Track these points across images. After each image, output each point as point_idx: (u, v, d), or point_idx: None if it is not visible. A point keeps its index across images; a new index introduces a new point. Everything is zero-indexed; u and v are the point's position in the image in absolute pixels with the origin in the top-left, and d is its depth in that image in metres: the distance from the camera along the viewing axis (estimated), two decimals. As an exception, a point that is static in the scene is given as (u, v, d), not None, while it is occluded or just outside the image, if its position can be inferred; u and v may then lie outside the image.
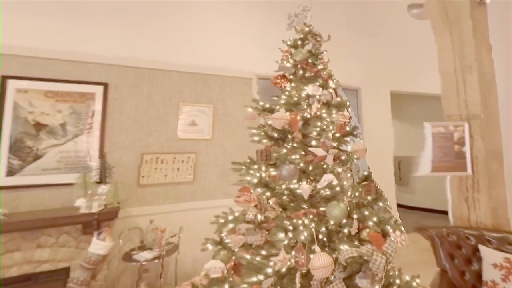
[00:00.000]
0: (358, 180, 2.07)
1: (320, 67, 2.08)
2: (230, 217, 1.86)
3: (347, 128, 2.00)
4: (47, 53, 2.51)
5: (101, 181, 2.39)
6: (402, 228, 1.83)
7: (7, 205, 2.20)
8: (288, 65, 2.05)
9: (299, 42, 2.19)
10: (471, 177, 2.24)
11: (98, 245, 2.20)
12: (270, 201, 1.89)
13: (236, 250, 2.07)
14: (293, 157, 1.68)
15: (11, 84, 2.30)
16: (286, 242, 1.55)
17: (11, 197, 2.26)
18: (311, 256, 1.50)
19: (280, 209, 1.79)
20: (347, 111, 1.95)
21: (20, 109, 2.31)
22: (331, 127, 1.80)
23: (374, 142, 4.47)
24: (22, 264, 2.06)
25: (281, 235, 1.56)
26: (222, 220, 1.96)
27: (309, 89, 1.88)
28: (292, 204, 1.86)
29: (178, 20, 3.15)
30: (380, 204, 2.07)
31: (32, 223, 2.04)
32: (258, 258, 1.78)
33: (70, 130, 2.45)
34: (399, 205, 6.36)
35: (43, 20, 2.56)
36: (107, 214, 2.25)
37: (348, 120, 1.94)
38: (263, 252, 1.79)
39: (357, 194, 1.95)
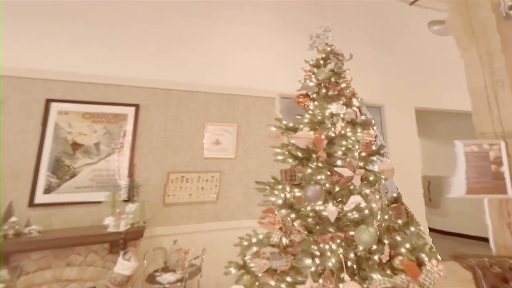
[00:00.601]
0: (387, 202, 1.98)
1: (343, 85, 2.07)
2: (254, 240, 1.82)
3: (373, 147, 1.94)
4: (87, 77, 2.72)
5: (129, 200, 2.46)
6: (439, 257, 1.70)
7: (42, 222, 2.31)
8: (311, 84, 2.06)
9: (322, 62, 2.21)
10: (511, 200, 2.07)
11: (123, 265, 2.22)
12: (295, 224, 1.84)
13: (260, 275, 2.01)
14: (319, 177, 1.64)
15: (54, 107, 2.50)
16: (313, 268, 1.48)
17: (46, 215, 2.37)
18: (340, 285, 1.42)
19: (306, 232, 1.73)
20: (373, 129, 1.89)
21: (60, 130, 2.48)
22: (356, 146, 1.75)
23: (400, 161, 4.28)
24: (52, 282, 2.11)
25: (308, 261, 1.50)
26: (245, 243, 1.92)
27: (333, 107, 1.86)
28: (318, 227, 1.80)
29: (204, 43, 3.32)
30: (412, 228, 1.95)
31: (64, 241, 2.11)
32: (283, 285, 1.71)
33: (103, 149, 2.59)
34: (430, 229, 5.96)
35: (83, 47, 2.81)
36: (133, 233, 2.29)
37: (374, 139, 1.89)
38: (289, 279, 1.72)
39: (386, 217, 1.85)
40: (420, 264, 1.66)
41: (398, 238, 1.75)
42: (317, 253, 1.53)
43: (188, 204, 2.96)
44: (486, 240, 2.22)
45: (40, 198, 2.34)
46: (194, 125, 3.06)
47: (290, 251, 1.66)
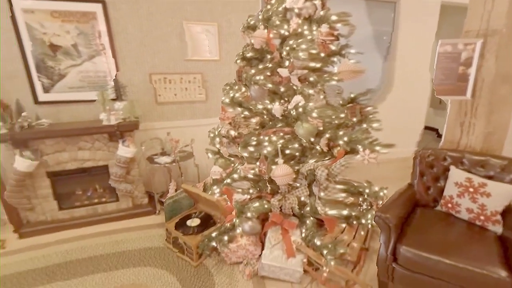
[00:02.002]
0: (341, 102, 2.11)
1: (309, -26, 1.87)
2: (216, 133, 2.14)
3: (332, 47, 1.92)
4: None
5: (117, 99, 2.77)
6: (378, 148, 1.93)
7: (51, 117, 2.75)
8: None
9: None
10: (471, 101, 2.10)
11: (124, 150, 2.73)
12: (253, 120, 2.08)
13: (231, 159, 2.43)
14: (257, 77, 1.75)
15: (16, 4, 2.46)
16: (246, 154, 1.79)
17: (53, 111, 2.79)
18: (273, 167, 1.75)
19: (258, 127, 1.98)
20: (330, 27, 1.82)
21: (34, 31, 2.55)
22: (303, 46, 1.75)
23: (409, 62, 4.09)
24: (70, 161, 2.70)
25: (241, 148, 1.80)
26: (212, 134, 2.26)
27: (288, 1, 1.76)
28: (270, 123, 2.03)
29: None
30: (364, 125, 2.14)
31: (70, 131, 2.57)
32: (239, 166, 2.10)
33: (83, 51, 2.71)
34: (432, 129, 6.09)
35: None
36: (126, 126, 2.69)
37: (332, 38, 1.86)
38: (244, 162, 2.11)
39: (342, 115, 2.02)
40: (353, 152, 1.92)
41: (341, 132, 1.97)
42: (254, 143, 1.81)
43: (180, 103, 3.25)
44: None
45: (42, 96, 2.69)
46: (170, 24, 2.97)
47: (237, 141, 1.96)
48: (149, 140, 3.15)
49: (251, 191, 2.10)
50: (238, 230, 1.97)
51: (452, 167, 1.90)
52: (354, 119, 2.12)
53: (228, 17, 3.16)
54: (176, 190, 2.99)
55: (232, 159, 2.46)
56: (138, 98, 3.02)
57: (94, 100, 2.77)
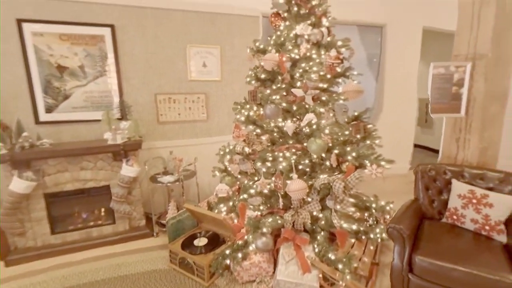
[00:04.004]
0: (346, 120, 2.22)
1: (314, 2, 2.03)
2: (227, 150, 2.18)
3: (338, 69, 2.07)
4: None
5: (122, 118, 2.78)
6: (383, 163, 2.03)
7: (52, 137, 2.71)
8: (281, 1, 2.03)
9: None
10: (465, 119, 2.26)
11: (127, 170, 2.70)
12: (263, 137, 2.15)
13: (238, 176, 2.47)
14: (274, 97, 1.84)
15: (26, 28, 2.51)
16: (264, 170, 1.84)
17: (54, 131, 2.75)
18: (288, 182, 1.80)
19: (269, 144, 2.05)
20: (337, 51, 1.98)
21: (41, 53, 2.58)
22: (315, 68, 1.88)
23: (397, 83, 4.32)
24: (73, 181, 2.63)
25: (259, 164, 1.85)
26: (221, 152, 2.30)
27: (298, 28, 1.90)
28: (281, 140, 2.11)
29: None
30: (368, 142, 2.25)
31: (74, 151, 2.53)
32: (251, 183, 2.14)
33: (89, 72, 2.75)
34: (420, 146, 6.37)
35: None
36: (131, 145, 2.68)
37: (338, 61, 2.00)
38: (256, 178, 2.15)
39: (347, 132, 2.13)
40: (361, 168, 2.01)
41: (348, 148, 2.07)
42: (270, 158, 1.87)
43: (181, 122, 3.29)
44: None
45: (43, 116, 2.67)
46: (176, 47, 3.08)
47: (251, 157, 2.01)
48: (151, 159, 3.14)
49: (261, 207, 2.13)
50: (251, 247, 1.96)
51: (454, 180, 2.01)
52: (358, 136, 2.24)
53: (230, 40, 3.30)
54: (178, 210, 2.96)
55: (239, 176, 2.49)
56: (142, 117, 3.04)
57: (98, 120, 2.77)
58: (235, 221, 2.45)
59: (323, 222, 1.86)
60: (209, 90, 3.32)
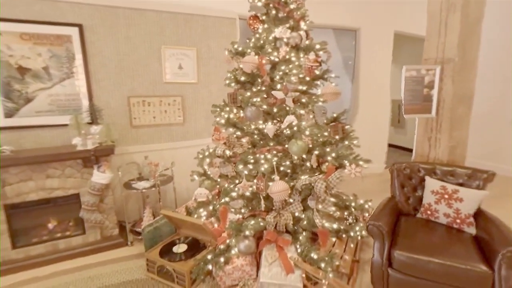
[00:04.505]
0: (325, 121, 2.26)
1: (292, 6, 2.06)
2: (207, 153, 2.13)
3: (317, 72, 2.10)
4: None
5: (92, 122, 2.62)
6: (361, 163, 2.08)
7: (13, 143, 2.48)
8: (259, 4, 2.03)
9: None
10: (436, 119, 2.39)
11: (99, 176, 2.54)
12: (243, 140, 2.12)
13: (218, 180, 2.41)
14: (255, 99, 1.83)
15: None
16: (246, 172, 1.82)
17: (15, 137, 2.53)
18: (270, 183, 1.78)
19: (250, 146, 2.03)
20: (316, 54, 2.01)
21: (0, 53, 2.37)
22: (294, 71, 1.90)
23: (371, 85, 4.49)
24: (37, 190, 2.43)
25: (241, 166, 1.82)
26: (201, 156, 2.24)
27: (277, 31, 1.91)
28: (261, 142, 2.09)
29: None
30: (346, 142, 2.29)
31: (38, 158, 2.32)
32: (231, 186, 2.10)
33: (54, 74, 2.56)
34: (394, 146, 6.67)
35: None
36: (102, 151, 2.52)
37: (317, 64, 2.03)
38: (237, 181, 2.11)
39: (326, 133, 2.15)
40: (341, 168, 2.05)
41: (328, 149, 2.10)
42: (252, 161, 1.85)
43: (156, 126, 3.17)
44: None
45: (3, 121, 2.44)
46: (149, 48, 2.97)
47: (233, 160, 1.98)
48: (125, 165, 2.99)
49: (243, 210, 2.10)
50: (234, 251, 1.92)
51: (427, 177, 2.11)
52: (337, 137, 2.28)
53: (207, 42, 3.25)
54: (154, 217, 2.84)
55: (219, 180, 2.44)
56: (114, 121, 2.89)
57: (65, 125, 2.59)
58: (215, 225, 2.39)
59: (305, 223, 1.87)
60: (185, 92, 3.23)
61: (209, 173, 2.38)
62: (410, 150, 6.38)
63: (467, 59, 2.37)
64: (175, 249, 2.28)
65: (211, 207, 2.45)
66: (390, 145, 5.85)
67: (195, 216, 2.52)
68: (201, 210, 2.49)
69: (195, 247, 2.29)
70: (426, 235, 1.81)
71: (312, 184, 1.76)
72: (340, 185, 2.00)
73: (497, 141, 4.66)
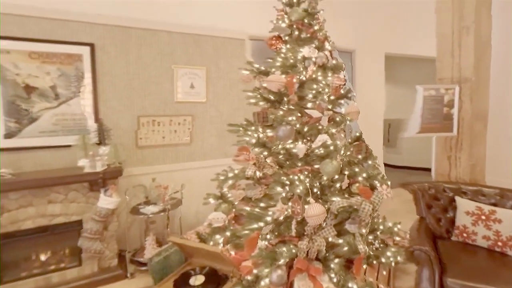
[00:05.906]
0: (350, 140, 2.21)
1: (316, 27, 2.06)
2: (230, 174, 2.01)
3: (342, 91, 2.07)
4: (26, 10, 2.34)
5: (100, 143, 2.46)
6: (389, 183, 2.01)
7: (11, 166, 2.26)
8: (284, 25, 2.02)
9: (295, 0, 2.13)
10: (455, 137, 2.39)
11: (106, 201, 2.34)
12: (268, 160, 2.02)
13: (236, 203, 2.27)
14: (290, 118, 1.76)
15: None
16: (283, 194, 1.70)
17: (14, 159, 2.32)
18: (306, 206, 1.67)
19: (277, 167, 1.92)
20: (342, 73, 1.99)
21: (6, 71, 2.26)
22: (326, 90, 1.86)
23: (366, 105, 4.54)
24: (36, 217, 2.19)
25: (279, 188, 1.71)
26: (222, 177, 2.11)
27: (305, 51, 1.89)
28: (288, 163, 2.00)
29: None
30: (370, 162, 2.23)
31: (41, 182, 2.13)
32: (257, 209, 1.96)
33: (62, 93, 2.45)
34: (386, 164, 6.69)
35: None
36: (111, 173, 2.35)
37: (343, 83, 2.01)
38: (262, 204, 1.97)
39: (348, 153, 2.09)
40: (372, 188, 1.97)
41: (357, 169, 2.02)
42: (287, 182, 1.74)
43: (162, 146, 3.03)
44: (428, 170, 2.61)
45: (1, 143, 2.27)
46: (160, 67, 2.92)
47: (263, 182, 1.86)
48: (131, 188, 2.79)
49: (268, 236, 1.95)
50: (263, 283, 1.75)
51: (458, 198, 2.06)
52: (359, 156, 2.22)
53: (216, 62, 3.23)
54: (160, 245, 2.62)
55: (236, 203, 2.30)
56: (122, 142, 2.74)
57: (68, 146, 2.43)
58: (232, 253, 2.21)
59: (345, 249, 1.74)
60: (195, 111, 3.14)
61: (228, 196, 2.23)
62: (406, 168, 6.45)
63: (481, 78, 2.43)
64: (192, 281, 2.07)
65: (228, 233, 2.27)
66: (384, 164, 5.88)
67: (211, 243, 2.33)
68: (217, 236, 2.30)
69: (214, 278, 2.09)
70: (471, 260, 1.72)
71: (355, 207, 1.67)
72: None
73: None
